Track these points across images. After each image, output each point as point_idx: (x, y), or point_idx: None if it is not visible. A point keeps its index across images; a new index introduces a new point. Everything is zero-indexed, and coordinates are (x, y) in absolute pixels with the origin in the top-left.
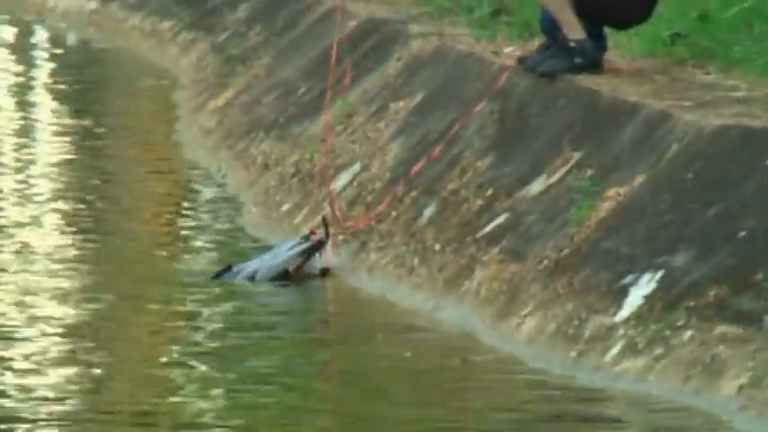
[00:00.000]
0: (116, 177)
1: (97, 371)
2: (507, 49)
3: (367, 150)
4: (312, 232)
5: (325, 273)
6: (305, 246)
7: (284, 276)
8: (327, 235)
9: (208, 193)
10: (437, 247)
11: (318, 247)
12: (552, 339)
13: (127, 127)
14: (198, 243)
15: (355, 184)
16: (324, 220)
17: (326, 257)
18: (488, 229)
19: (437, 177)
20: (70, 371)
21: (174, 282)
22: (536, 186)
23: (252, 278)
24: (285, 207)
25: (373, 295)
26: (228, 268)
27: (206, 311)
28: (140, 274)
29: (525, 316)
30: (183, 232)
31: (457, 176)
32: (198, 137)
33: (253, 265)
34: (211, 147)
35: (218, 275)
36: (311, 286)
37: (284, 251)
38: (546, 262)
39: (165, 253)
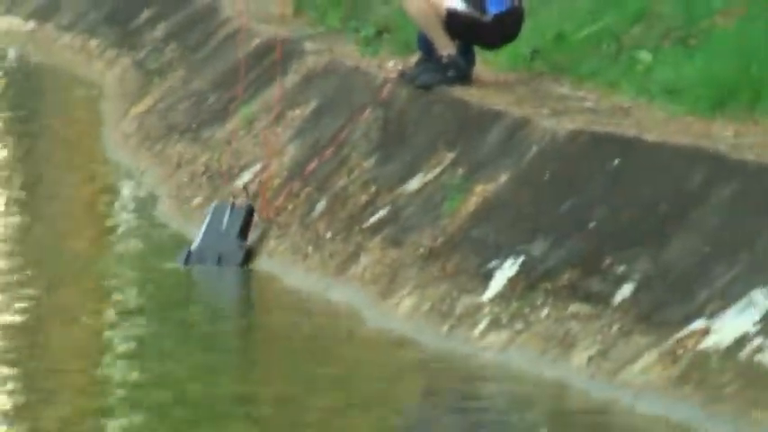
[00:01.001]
0: (46, 175)
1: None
2: (389, 64)
3: (267, 152)
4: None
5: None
6: (243, 217)
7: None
8: (250, 199)
9: (128, 188)
10: (328, 235)
11: (252, 212)
12: (427, 316)
13: (58, 131)
14: (119, 232)
15: (257, 181)
16: (245, 187)
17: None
18: (372, 220)
19: (328, 175)
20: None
21: (101, 268)
22: (414, 183)
23: (218, 262)
24: (196, 200)
25: (272, 276)
26: (189, 252)
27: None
28: (68, 258)
29: (404, 296)
30: (107, 223)
31: (345, 174)
32: (120, 140)
33: (206, 243)
34: (132, 148)
35: (186, 261)
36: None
37: (226, 225)
38: (422, 249)
39: (89, 242)
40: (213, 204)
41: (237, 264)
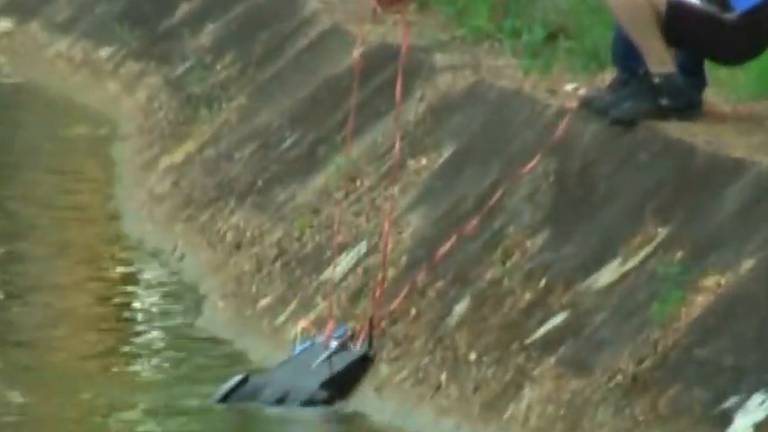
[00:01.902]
0: (36, 264)
1: None
2: (568, 86)
3: (376, 225)
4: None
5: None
6: (345, 360)
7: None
8: (371, 345)
9: (157, 281)
10: (472, 356)
11: (363, 364)
12: None
13: (48, 196)
14: (144, 352)
15: (360, 270)
16: (371, 322)
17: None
18: (541, 332)
19: (471, 262)
20: None
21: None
22: (606, 275)
23: (281, 401)
24: (264, 301)
25: (384, 425)
26: (243, 381)
27: None
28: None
29: None
30: (127, 337)
31: (499, 261)
32: (145, 205)
33: (278, 380)
34: (163, 219)
35: (227, 396)
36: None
37: (314, 366)
38: (620, 378)
39: (103, 368)
40: (311, 342)
41: (309, 400)
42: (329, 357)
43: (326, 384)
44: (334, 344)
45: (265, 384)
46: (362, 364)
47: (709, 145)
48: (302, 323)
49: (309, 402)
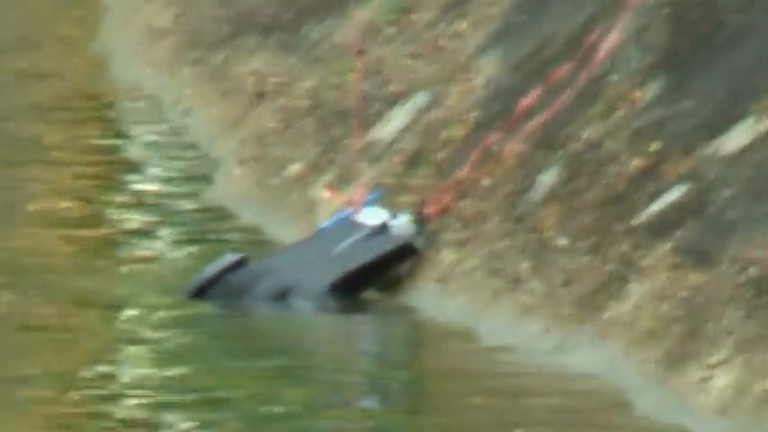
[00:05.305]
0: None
1: None
2: None
3: (439, 71)
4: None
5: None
6: (380, 249)
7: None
8: (420, 233)
9: (157, 144)
10: (562, 241)
11: (407, 254)
12: (758, 409)
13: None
14: (150, 239)
15: (418, 128)
16: (422, 209)
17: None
18: (651, 211)
19: (560, 121)
20: None
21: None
22: (736, 137)
23: (280, 297)
24: (293, 167)
25: (450, 326)
26: (238, 265)
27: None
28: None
29: (716, 366)
30: (118, 222)
31: (597, 119)
32: (141, 43)
33: (283, 268)
34: (164, 61)
35: (210, 283)
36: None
37: (337, 250)
38: (752, 270)
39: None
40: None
41: (320, 295)
42: (358, 242)
43: (340, 284)
44: (367, 219)
45: (266, 272)
46: (402, 257)
47: None
48: (324, 191)
49: (312, 303)
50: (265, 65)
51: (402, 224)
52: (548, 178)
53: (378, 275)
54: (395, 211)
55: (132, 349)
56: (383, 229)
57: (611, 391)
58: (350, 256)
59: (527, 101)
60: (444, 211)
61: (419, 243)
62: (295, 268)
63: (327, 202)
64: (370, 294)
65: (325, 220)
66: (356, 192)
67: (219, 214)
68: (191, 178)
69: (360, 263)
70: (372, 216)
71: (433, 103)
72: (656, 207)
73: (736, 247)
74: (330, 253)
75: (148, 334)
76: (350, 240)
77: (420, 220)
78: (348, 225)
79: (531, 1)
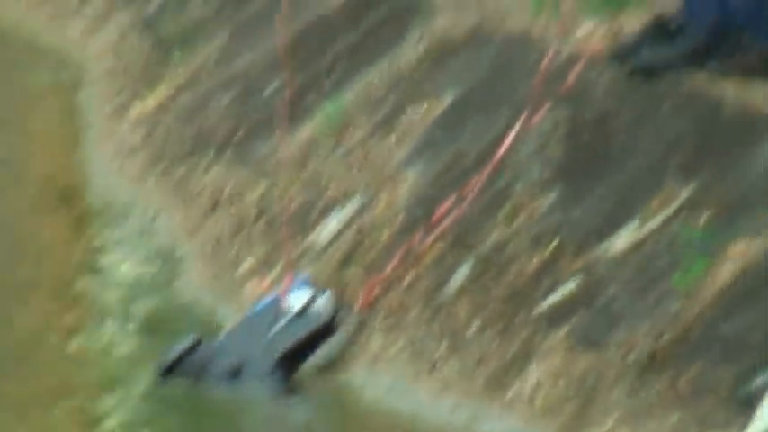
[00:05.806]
0: None
1: None
2: (580, 29)
3: (370, 181)
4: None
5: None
6: (307, 329)
7: (287, 367)
8: (336, 314)
9: (128, 242)
10: (473, 328)
11: (327, 334)
12: None
13: (9, 148)
14: (111, 321)
15: (351, 231)
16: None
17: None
18: (550, 302)
19: (474, 223)
20: None
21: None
22: (622, 239)
23: (234, 375)
24: (245, 264)
25: (377, 401)
26: (195, 346)
27: None
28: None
29: None
30: (94, 311)
31: (503, 223)
32: (115, 159)
33: (232, 347)
34: (135, 174)
35: (169, 369)
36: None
37: (273, 332)
38: (635, 354)
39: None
40: (257, 304)
41: (266, 375)
42: (289, 324)
43: (284, 360)
44: (294, 301)
45: (218, 351)
46: (325, 334)
47: (738, 98)
48: (258, 281)
49: (265, 380)
50: (220, 177)
51: (323, 304)
52: (460, 275)
53: (310, 352)
54: (318, 290)
55: None
56: (306, 310)
57: None
58: (283, 337)
59: (444, 207)
60: (373, 303)
61: (339, 320)
62: (241, 349)
63: (257, 286)
64: (307, 373)
65: (256, 303)
66: (285, 276)
67: (181, 303)
68: (156, 273)
69: (291, 343)
70: (298, 299)
71: (365, 207)
72: (553, 299)
73: (621, 333)
74: (267, 335)
75: None
76: (281, 322)
77: (341, 304)
78: (277, 308)
79: (449, 121)
